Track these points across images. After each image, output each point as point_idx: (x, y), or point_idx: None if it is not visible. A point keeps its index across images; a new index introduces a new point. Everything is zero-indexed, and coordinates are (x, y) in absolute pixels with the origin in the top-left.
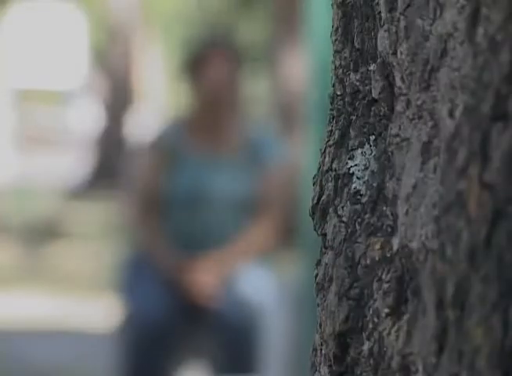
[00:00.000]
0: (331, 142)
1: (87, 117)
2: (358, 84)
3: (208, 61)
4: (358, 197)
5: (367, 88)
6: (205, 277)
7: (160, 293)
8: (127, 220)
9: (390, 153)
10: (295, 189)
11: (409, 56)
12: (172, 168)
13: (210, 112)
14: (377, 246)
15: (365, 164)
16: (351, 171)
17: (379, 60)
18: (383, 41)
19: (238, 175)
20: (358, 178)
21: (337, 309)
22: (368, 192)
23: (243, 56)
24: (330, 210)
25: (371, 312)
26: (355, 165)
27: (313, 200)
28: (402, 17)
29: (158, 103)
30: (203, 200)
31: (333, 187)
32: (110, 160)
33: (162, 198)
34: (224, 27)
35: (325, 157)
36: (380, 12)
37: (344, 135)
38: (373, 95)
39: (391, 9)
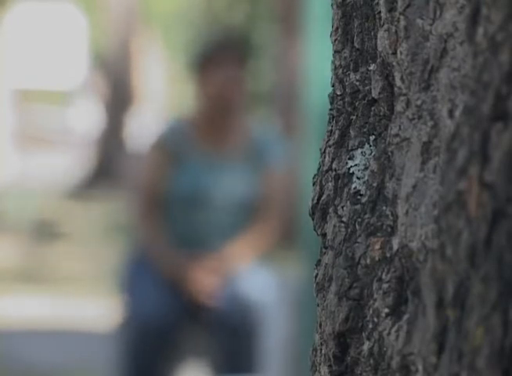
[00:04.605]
0: (331, 142)
1: (87, 117)
2: (358, 84)
3: (216, 62)
4: (358, 197)
5: (367, 88)
6: (206, 277)
7: (160, 293)
8: (128, 220)
9: (390, 153)
10: (296, 190)
11: (409, 56)
12: (175, 167)
13: (216, 113)
14: (377, 246)
15: (365, 164)
16: (351, 171)
17: (379, 60)
18: (383, 41)
19: (240, 176)
20: (358, 178)
21: (336, 309)
22: (368, 192)
23: (249, 56)
24: (330, 210)
25: (371, 312)
26: (355, 165)
27: (313, 200)
28: (401, 17)
29: (158, 104)
30: (205, 200)
31: (333, 187)
32: (110, 160)
33: (164, 198)
34: (227, 27)
35: (325, 157)
36: (380, 12)
37: (344, 135)
38: (373, 95)
39: (391, 9)
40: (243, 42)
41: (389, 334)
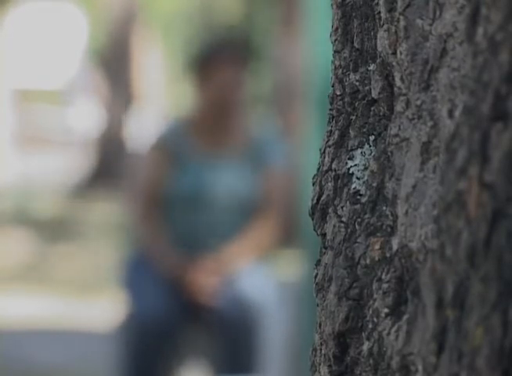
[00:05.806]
0: (331, 143)
1: (87, 117)
2: (357, 84)
3: (216, 63)
4: (358, 197)
5: (367, 88)
6: (206, 277)
7: (161, 293)
8: (129, 220)
9: (389, 154)
10: (296, 190)
11: (409, 56)
12: (175, 168)
13: (216, 113)
14: (377, 246)
15: (364, 164)
16: (350, 172)
17: (378, 60)
18: (382, 41)
19: (240, 176)
20: (357, 178)
21: (336, 309)
22: (368, 192)
23: (250, 57)
24: (330, 210)
25: (371, 312)
26: (355, 165)
27: (313, 200)
28: (401, 17)
29: (158, 103)
30: (205, 200)
31: (332, 187)
32: (110, 160)
33: (164, 198)
34: (228, 27)
35: (324, 157)
36: (379, 12)
37: (343, 135)
38: (373, 95)
39: (391, 9)
40: (243, 43)
41: (389, 334)
